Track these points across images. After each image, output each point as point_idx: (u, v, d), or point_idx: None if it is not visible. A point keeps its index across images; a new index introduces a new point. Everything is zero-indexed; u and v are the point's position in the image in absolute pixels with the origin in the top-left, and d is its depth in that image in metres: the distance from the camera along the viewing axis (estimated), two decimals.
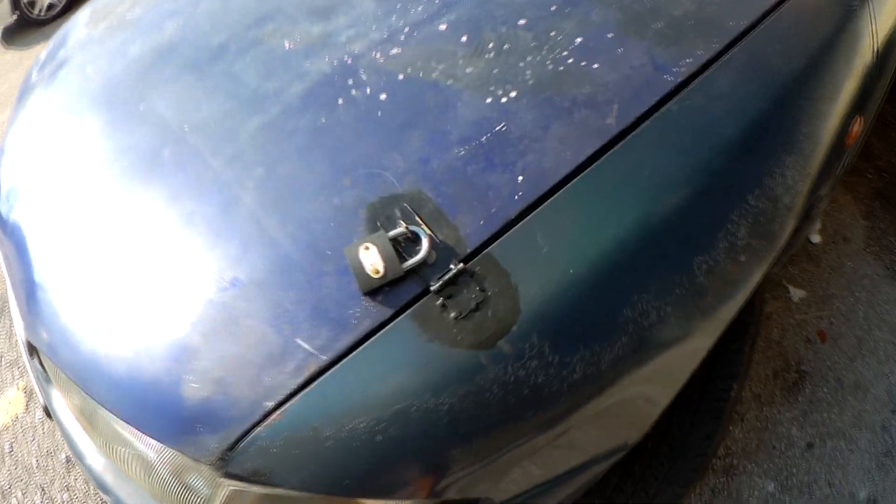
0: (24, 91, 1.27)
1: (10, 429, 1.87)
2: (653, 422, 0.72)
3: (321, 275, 0.61)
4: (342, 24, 0.84)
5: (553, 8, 0.78)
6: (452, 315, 0.58)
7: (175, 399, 0.63)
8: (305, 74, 0.78)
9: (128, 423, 0.67)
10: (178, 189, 0.74)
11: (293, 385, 0.58)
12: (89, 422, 0.79)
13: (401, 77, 0.73)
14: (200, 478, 0.66)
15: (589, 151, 0.65)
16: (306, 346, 0.58)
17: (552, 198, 0.63)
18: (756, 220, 0.70)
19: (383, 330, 0.58)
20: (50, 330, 0.76)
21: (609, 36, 0.74)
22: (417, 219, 0.61)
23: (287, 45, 0.85)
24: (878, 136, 1.80)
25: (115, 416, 0.68)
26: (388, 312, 0.58)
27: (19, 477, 1.73)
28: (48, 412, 0.97)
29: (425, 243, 0.59)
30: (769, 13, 0.78)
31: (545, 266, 0.60)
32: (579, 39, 0.74)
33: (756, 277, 0.72)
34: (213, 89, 0.84)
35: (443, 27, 0.78)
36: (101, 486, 0.82)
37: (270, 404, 0.58)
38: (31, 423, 1.86)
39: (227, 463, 0.59)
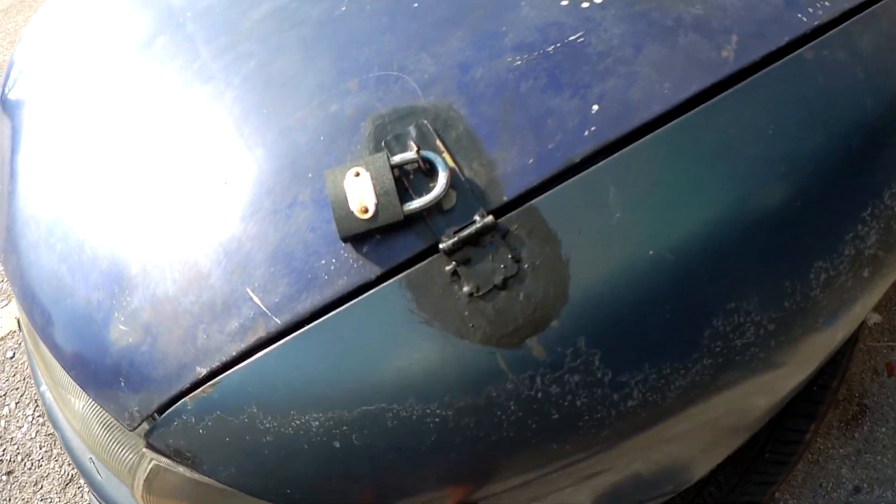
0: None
1: (16, 335, 1.84)
2: (719, 462, 0.52)
3: (293, 204, 0.42)
4: None
5: None
6: (466, 289, 0.39)
7: (102, 341, 0.47)
8: None
9: (56, 358, 0.52)
10: (159, 82, 0.58)
11: (233, 351, 0.41)
12: (35, 345, 0.66)
13: None
14: (127, 439, 0.51)
15: (695, 88, 0.44)
16: (257, 300, 0.40)
17: (637, 142, 0.42)
18: (888, 227, 0.47)
19: (363, 296, 0.40)
20: (9, 231, 0.63)
21: None
22: (438, 143, 0.42)
23: None
24: None
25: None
26: (374, 271, 0.40)
27: (15, 386, 1.69)
28: (19, 323, 0.87)
29: (442, 179, 0.40)
30: None
31: (614, 239, 0.40)
32: None
33: (875, 299, 0.50)
34: None
35: None
36: (51, 419, 0.70)
37: (203, 371, 0.41)
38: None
39: (149, 433, 0.43)
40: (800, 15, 0.47)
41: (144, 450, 0.45)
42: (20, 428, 1.54)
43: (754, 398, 0.45)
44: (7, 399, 1.61)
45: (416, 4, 0.49)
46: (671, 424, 0.42)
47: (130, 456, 0.51)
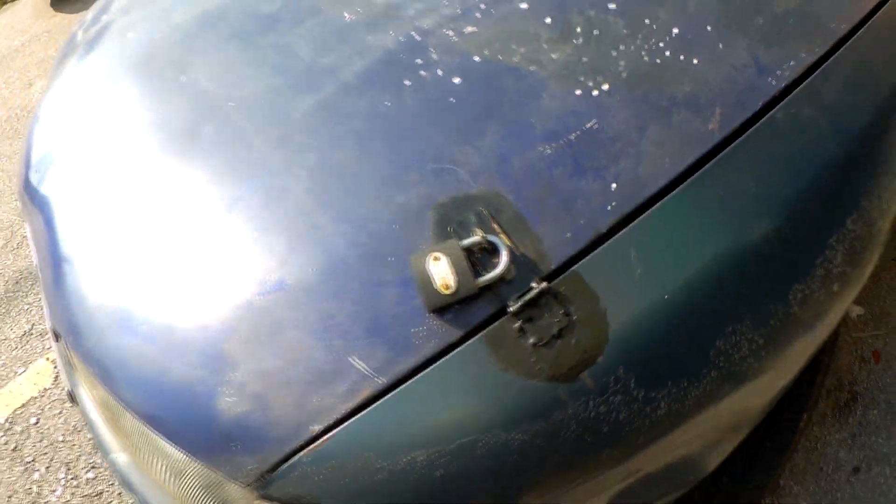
0: (63, 56, 1.20)
1: (38, 401, 1.83)
2: (728, 454, 0.64)
3: (381, 285, 0.52)
4: None
5: None
6: (531, 341, 0.50)
7: (208, 412, 0.55)
8: (367, 50, 0.69)
9: (154, 429, 0.59)
10: (218, 171, 0.66)
11: (344, 409, 0.50)
12: (113, 417, 0.72)
13: (477, 59, 0.63)
14: (231, 496, 0.59)
15: (690, 160, 0.56)
16: (361, 366, 0.50)
17: (649, 210, 0.54)
18: (852, 247, 0.60)
19: (451, 353, 0.50)
20: (73, 315, 0.69)
21: (708, 28, 0.64)
22: (495, 226, 0.52)
23: (347, 16, 0.75)
24: None
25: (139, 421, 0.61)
26: (458, 334, 0.50)
27: (43, 451, 1.69)
28: (72, 397, 0.91)
29: (504, 256, 0.50)
30: (871, 15, 0.67)
31: (638, 289, 0.52)
32: (676, 30, 0.64)
33: (844, 308, 0.63)
34: (262, 62, 0.75)
35: (524, 5, 0.68)
36: (125, 484, 0.76)
37: (317, 428, 0.50)
38: (58, 396, 1.82)
39: (265, 485, 0.52)
40: (770, 79, 0.59)
41: (256, 501, 0.53)
42: (54, 492, 1.57)
43: (751, 399, 0.57)
44: (37, 464, 1.63)
45: (452, 99, 0.59)
46: (689, 427, 0.54)
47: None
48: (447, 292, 0.49)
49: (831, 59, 0.62)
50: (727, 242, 0.54)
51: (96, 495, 1.58)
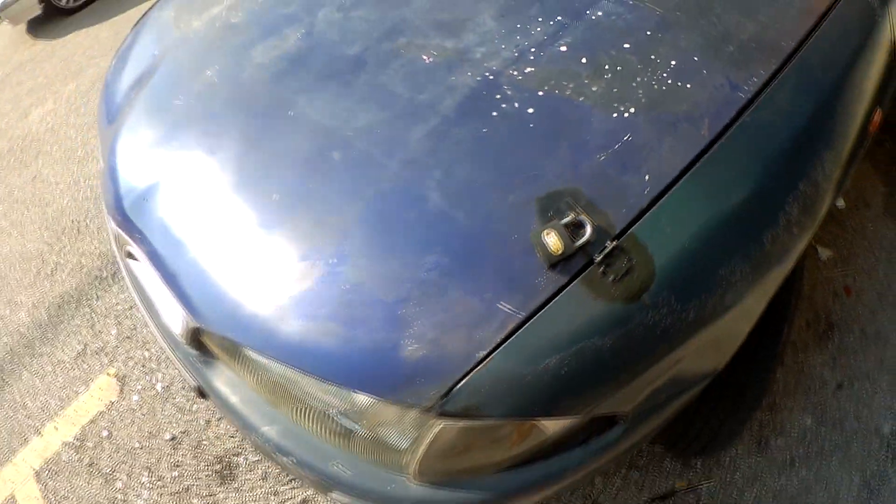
0: (117, 94, 1.43)
1: (106, 415, 2.04)
2: (734, 351, 0.99)
3: (511, 254, 0.84)
4: (472, 42, 1.05)
5: (648, 33, 1.01)
6: (610, 279, 0.83)
7: (395, 360, 0.85)
8: (454, 88, 0.99)
9: (346, 387, 0.88)
10: (359, 187, 0.95)
11: (498, 338, 0.82)
12: (275, 394, 1.00)
13: (540, 94, 0.95)
14: (407, 423, 0.88)
15: (692, 156, 0.90)
16: (507, 307, 0.82)
17: (670, 191, 0.87)
18: (804, 202, 0.96)
19: (563, 292, 0.82)
20: (235, 314, 0.96)
21: (695, 59, 0.98)
22: (578, 209, 0.85)
23: (425, 58, 1.05)
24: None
25: (323, 384, 0.90)
26: (566, 279, 0.83)
27: (122, 460, 1.92)
28: (202, 392, 1.18)
29: (588, 228, 0.83)
30: (812, 31, 1.02)
31: (669, 242, 0.86)
32: (673, 62, 0.98)
33: (804, 243, 0.99)
34: (365, 98, 1.04)
35: (563, 48, 1.00)
36: (280, 450, 1.04)
37: (481, 354, 0.81)
38: (127, 407, 2.03)
39: (444, 405, 0.82)
40: (739, 93, 0.93)
41: (433, 419, 0.83)
42: (140, 496, 1.83)
43: (746, 309, 0.92)
44: (117, 474, 1.88)
45: (530, 125, 0.91)
46: (707, 330, 0.88)
47: (412, 432, 0.88)
48: (557, 254, 0.81)
49: (782, 71, 0.97)
50: (721, 207, 0.89)
51: (184, 490, 1.84)
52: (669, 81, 0.95)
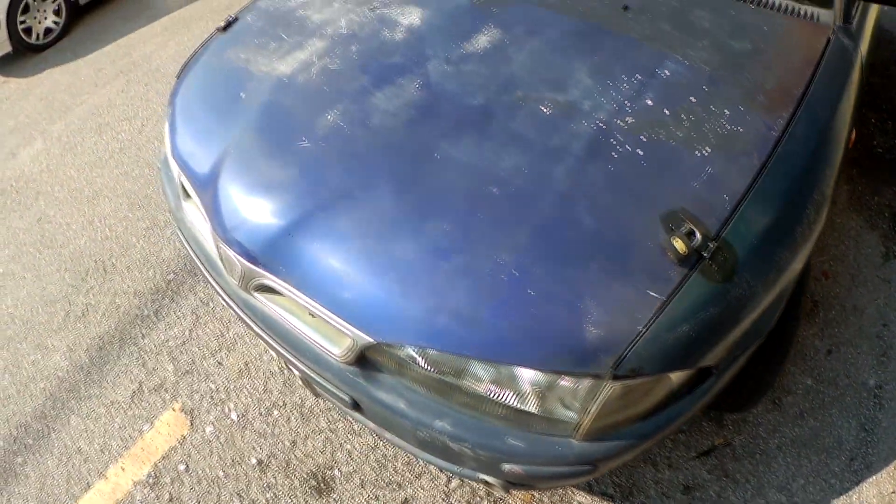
0: (201, 138, 1.74)
1: (179, 449, 2.21)
2: (779, 314, 1.46)
3: (650, 257, 1.27)
4: (577, 96, 1.49)
5: (704, 88, 1.49)
6: (714, 268, 1.28)
7: (576, 340, 1.23)
8: (577, 135, 1.42)
9: (538, 368, 1.25)
10: (524, 215, 1.34)
11: (650, 315, 1.23)
12: (448, 388, 1.37)
13: (643, 139, 1.40)
14: (581, 391, 1.26)
15: (749, 180, 1.37)
16: (653, 294, 1.24)
17: (740, 205, 1.34)
18: (817, 206, 1.47)
19: (688, 280, 1.26)
20: (439, 328, 1.28)
21: (740, 108, 1.47)
22: (690, 221, 1.29)
23: (544, 110, 1.47)
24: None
25: (501, 367, 1.28)
26: (688, 271, 1.26)
27: (207, 490, 2.09)
28: (356, 405, 1.51)
29: (698, 234, 1.28)
30: (812, 77, 1.54)
31: (744, 239, 1.32)
32: (727, 111, 1.46)
33: (816, 236, 1.49)
34: (505, 143, 1.45)
35: (650, 102, 1.46)
36: (454, 438, 1.36)
37: (640, 328, 1.23)
38: (202, 439, 2.22)
39: (616, 369, 1.22)
40: (773, 131, 1.42)
41: (606, 383, 1.23)
42: None
43: (784, 288, 1.39)
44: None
45: (643, 164, 1.36)
46: (767, 299, 1.35)
47: (584, 396, 1.26)
48: (683, 253, 1.25)
49: (797, 112, 1.47)
50: (771, 213, 1.36)
51: None
52: (728, 126, 1.43)
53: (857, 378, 2.12)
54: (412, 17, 1.90)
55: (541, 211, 1.35)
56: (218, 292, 1.80)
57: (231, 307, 1.77)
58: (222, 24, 2.22)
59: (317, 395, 1.77)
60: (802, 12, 1.77)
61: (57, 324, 2.64)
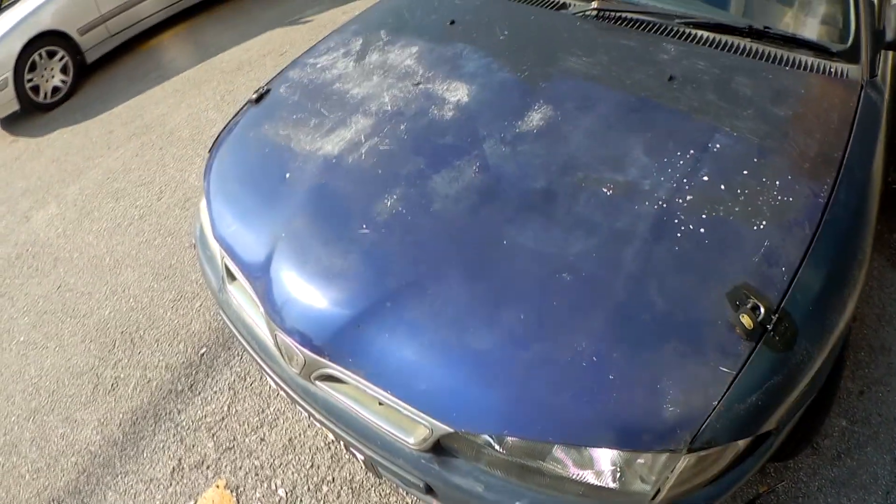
0: (248, 219, 1.82)
1: None
2: (828, 373, 1.60)
3: (719, 334, 1.39)
4: (636, 175, 1.62)
5: (755, 160, 1.63)
6: (777, 339, 1.40)
7: (660, 421, 1.33)
8: (640, 216, 1.55)
9: (618, 448, 1.35)
10: (598, 300, 1.44)
11: (723, 390, 1.35)
12: (524, 473, 1.46)
13: (703, 216, 1.53)
14: (658, 465, 1.37)
15: (804, 249, 1.50)
16: (724, 369, 1.37)
17: (797, 275, 1.47)
18: (860, 265, 1.59)
19: (755, 352, 1.38)
20: (521, 416, 1.36)
21: (788, 177, 1.61)
22: (754, 296, 1.42)
23: (606, 191, 1.60)
24: None
25: (582, 450, 1.40)
26: (754, 344, 1.39)
27: None
28: (430, 489, 1.58)
29: (762, 309, 1.40)
30: (849, 138, 1.69)
31: (801, 307, 1.45)
32: (777, 182, 1.59)
33: (862, 286, 1.61)
34: (571, 227, 1.57)
35: (706, 178, 1.60)
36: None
37: (715, 403, 1.35)
38: None
39: (692, 443, 1.34)
40: (819, 199, 1.56)
41: (683, 456, 1.35)
42: None
43: (833, 349, 1.53)
44: None
45: (706, 241, 1.49)
46: (820, 362, 1.50)
47: (662, 470, 1.38)
48: (750, 328, 1.38)
49: (839, 176, 1.61)
50: (824, 278, 1.49)
51: None
52: (780, 197, 1.57)
53: (889, 415, 2.27)
54: (459, 92, 2.01)
55: (613, 295, 1.46)
56: (271, 377, 1.84)
57: (286, 393, 1.81)
58: (254, 95, 2.30)
59: (379, 476, 1.84)
60: (832, 70, 1.93)
61: (85, 397, 2.67)
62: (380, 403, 1.54)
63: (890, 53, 2.14)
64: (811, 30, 2.15)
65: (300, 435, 2.40)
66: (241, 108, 2.35)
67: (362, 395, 1.57)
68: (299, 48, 5.37)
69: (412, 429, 1.50)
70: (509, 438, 1.39)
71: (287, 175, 1.87)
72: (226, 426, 2.47)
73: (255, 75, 5.00)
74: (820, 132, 1.74)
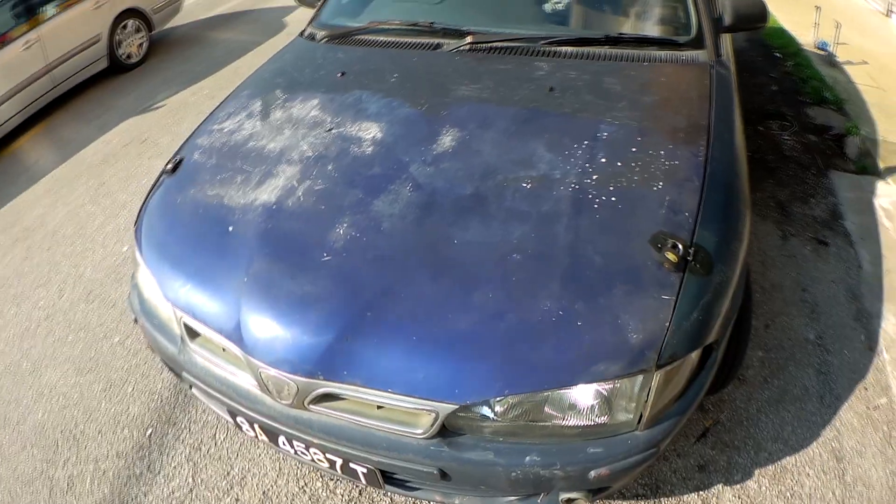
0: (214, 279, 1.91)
1: None
2: (743, 297, 1.99)
3: (653, 272, 1.73)
4: (546, 169, 1.99)
5: (639, 139, 2.05)
6: (699, 266, 1.77)
7: (629, 348, 1.61)
8: (561, 199, 1.89)
9: (600, 381, 1.61)
10: (545, 269, 1.76)
11: (670, 313, 1.66)
12: (524, 431, 1.68)
13: (611, 188, 1.92)
14: (637, 386, 1.66)
15: (697, 199, 1.91)
16: (666, 297, 1.69)
17: (699, 216, 1.86)
18: (746, 203, 2.04)
19: (684, 279, 1.73)
20: (507, 373, 1.63)
21: (670, 146, 2.04)
22: (671, 238, 1.79)
23: (526, 185, 1.95)
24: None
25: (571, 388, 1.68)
26: (682, 274, 1.74)
27: None
28: (444, 473, 1.74)
29: (680, 246, 1.77)
30: (710, 107, 2.17)
31: (708, 239, 1.85)
32: (663, 152, 2.02)
33: (750, 221, 2.05)
34: (506, 219, 1.88)
35: (604, 160, 2.00)
36: (544, 465, 1.65)
37: (667, 324, 1.65)
38: None
39: (659, 360, 1.66)
40: (699, 157, 2.00)
41: (654, 373, 1.66)
42: None
43: (741, 274, 1.94)
44: None
45: (619, 206, 1.87)
46: (736, 282, 1.90)
47: (643, 387, 1.67)
48: (675, 262, 1.75)
49: (710, 136, 2.07)
50: (720, 216, 1.92)
51: None
52: (667, 163, 1.98)
53: (798, 337, 2.75)
54: (372, 130, 2.29)
55: (559, 262, 1.76)
56: (252, 422, 1.95)
57: (272, 432, 1.92)
58: (168, 166, 2.43)
59: (383, 487, 1.95)
60: (684, 58, 2.44)
61: (44, 502, 2.58)
62: (379, 407, 1.69)
63: (728, 36, 2.71)
64: (660, 28, 2.69)
65: (272, 486, 2.45)
66: (157, 181, 2.45)
67: (360, 405, 1.70)
68: (158, 134, 5.56)
69: (416, 420, 1.65)
70: (509, 398, 1.59)
71: (230, 228, 2.00)
72: (196, 496, 2.48)
73: (122, 166, 5.06)
74: (686, 108, 2.20)
